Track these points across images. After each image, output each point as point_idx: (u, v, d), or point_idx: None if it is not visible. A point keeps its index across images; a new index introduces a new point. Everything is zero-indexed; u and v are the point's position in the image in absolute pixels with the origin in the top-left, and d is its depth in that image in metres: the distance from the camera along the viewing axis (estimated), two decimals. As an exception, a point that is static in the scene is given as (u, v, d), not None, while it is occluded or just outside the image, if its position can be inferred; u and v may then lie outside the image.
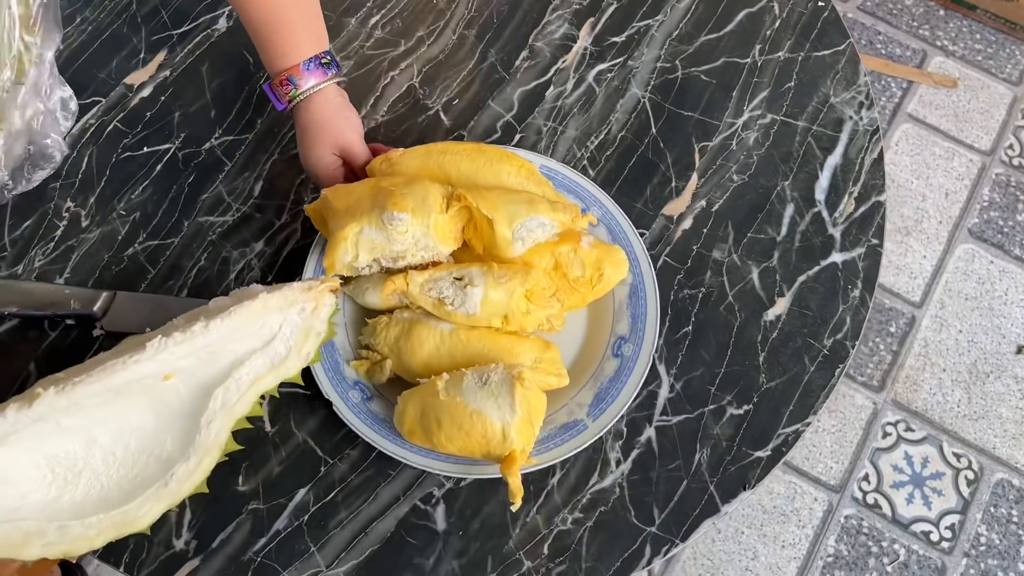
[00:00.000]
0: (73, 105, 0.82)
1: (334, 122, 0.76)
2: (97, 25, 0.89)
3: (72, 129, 0.83)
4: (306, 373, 0.70)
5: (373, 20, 0.92)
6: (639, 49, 0.91)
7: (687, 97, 0.89)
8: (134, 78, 0.87)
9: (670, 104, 0.88)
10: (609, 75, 0.90)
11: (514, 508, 0.65)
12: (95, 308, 0.74)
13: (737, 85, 0.90)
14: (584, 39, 0.91)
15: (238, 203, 0.81)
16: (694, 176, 0.85)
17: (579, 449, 0.71)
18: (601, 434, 0.71)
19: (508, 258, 0.72)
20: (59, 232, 0.79)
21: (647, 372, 0.73)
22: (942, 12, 1.80)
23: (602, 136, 0.87)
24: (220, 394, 0.64)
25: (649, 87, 0.89)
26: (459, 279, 0.71)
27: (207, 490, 0.64)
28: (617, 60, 0.90)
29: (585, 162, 0.85)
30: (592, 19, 0.92)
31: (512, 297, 0.70)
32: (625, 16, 0.93)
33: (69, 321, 0.75)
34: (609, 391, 0.73)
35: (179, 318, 0.67)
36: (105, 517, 0.55)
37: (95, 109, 0.84)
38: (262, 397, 0.66)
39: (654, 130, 0.87)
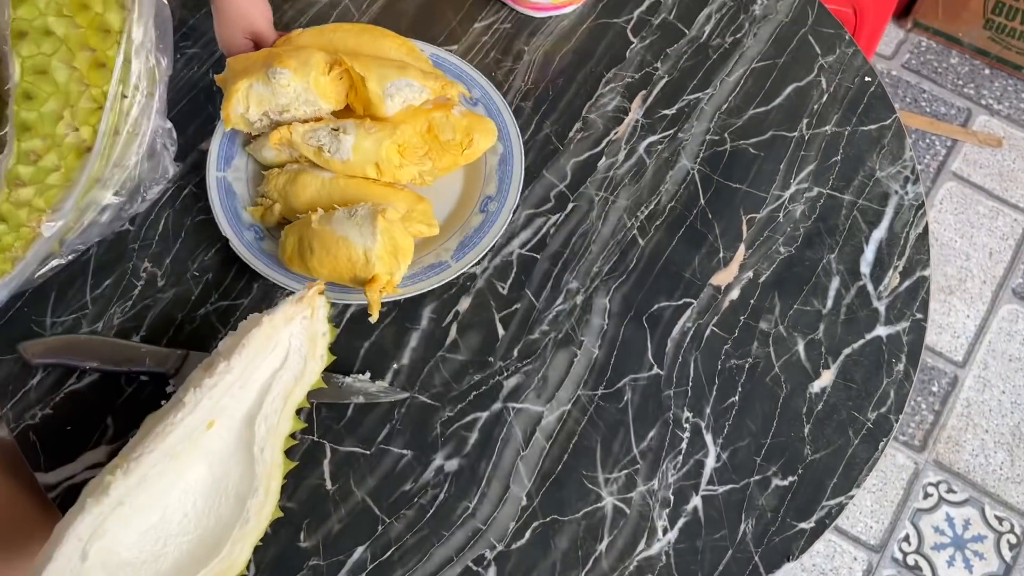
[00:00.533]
0: (174, 133, 0.87)
1: (248, 8, 0.88)
2: (176, 93, 0.95)
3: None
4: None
5: (434, 90, 0.96)
6: (689, 122, 0.94)
7: (735, 169, 0.92)
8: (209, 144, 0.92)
9: (719, 176, 0.91)
10: (659, 147, 0.93)
11: (371, 320, 0.77)
12: (168, 367, 0.78)
13: (785, 158, 0.93)
14: (636, 112, 0.95)
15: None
16: (741, 247, 0.88)
17: (440, 283, 0.82)
18: (460, 273, 0.83)
19: (383, 116, 0.83)
20: (136, 291, 0.84)
21: (506, 226, 0.85)
22: (987, 71, 1.81)
23: (652, 206, 0.90)
24: (262, 421, 0.69)
25: (698, 159, 0.92)
26: (335, 129, 0.82)
27: (282, 513, 0.69)
28: (667, 132, 0.93)
29: (635, 231, 0.88)
30: (644, 92, 0.96)
31: (381, 146, 0.80)
32: (676, 89, 0.96)
33: (144, 377, 0.79)
34: (472, 239, 0.84)
35: (198, 369, 0.71)
36: (207, 572, 0.59)
37: (170, 176, 0.89)
38: (298, 411, 0.72)
39: (703, 201, 0.90)
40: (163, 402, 0.72)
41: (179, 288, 0.84)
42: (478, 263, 0.86)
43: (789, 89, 0.97)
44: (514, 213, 0.87)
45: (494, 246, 0.86)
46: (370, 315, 0.76)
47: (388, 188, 0.83)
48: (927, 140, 1.71)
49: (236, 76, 0.84)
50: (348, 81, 0.84)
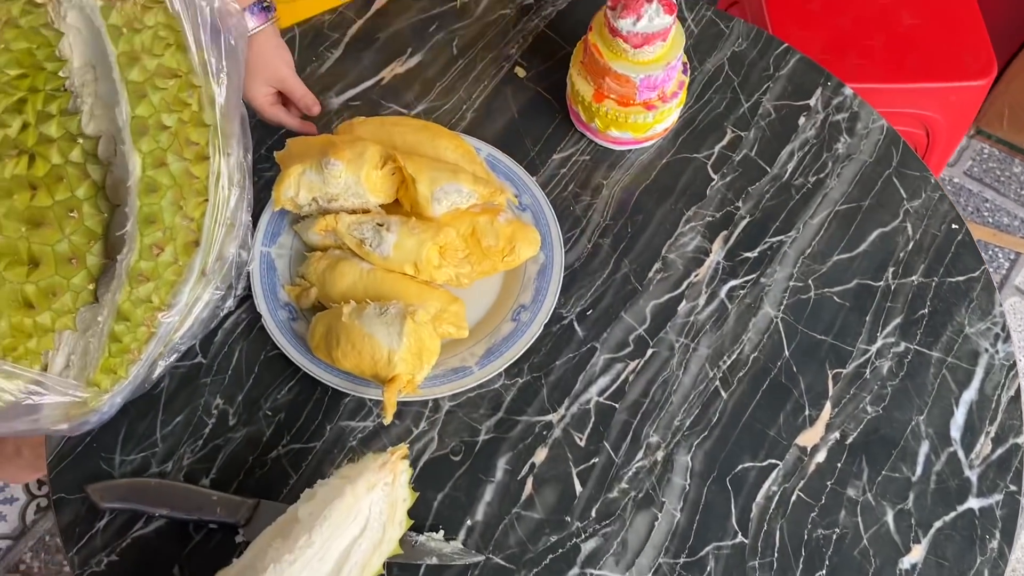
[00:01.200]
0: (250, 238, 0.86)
1: (270, 59, 0.88)
2: (251, 215, 0.94)
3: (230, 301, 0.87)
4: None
5: (510, 221, 0.95)
6: (771, 266, 0.92)
7: (820, 319, 0.89)
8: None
9: (803, 326, 0.89)
10: (741, 292, 0.91)
11: (385, 422, 0.76)
12: (238, 517, 0.76)
13: (871, 309, 0.90)
14: (717, 253, 0.93)
15: (378, 408, 0.83)
16: (827, 405, 0.85)
17: (461, 390, 0.82)
18: (482, 382, 0.82)
19: (428, 216, 0.83)
20: (207, 430, 0.82)
21: (535, 339, 0.84)
22: (1050, 179, 1.78)
23: (735, 356, 0.87)
24: (337, 594, 0.66)
25: (782, 307, 0.90)
26: (380, 224, 0.82)
27: None
28: (749, 277, 0.91)
29: (717, 383, 0.86)
30: (725, 232, 0.94)
31: (422, 247, 0.81)
32: (758, 231, 0.94)
33: (213, 525, 0.77)
34: (500, 348, 0.84)
35: (273, 532, 0.68)
36: None
37: (248, 303, 0.88)
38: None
39: (787, 353, 0.88)
40: (234, 559, 0.70)
41: (251, 428, 0.82)
42: (555, 413, 0.83)
43: (874, 235, 0.95)
44: (594, 355, 0.85)
45: (572, 392, 0.84)
46: (383, 417, 0.76)
47: (423, 286, 0.83)
48: (990, 252, 1.68)
49: (293, 158, 0.85)
50: (400, 177, 0.85)
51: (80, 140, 0.65)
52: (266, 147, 0.97)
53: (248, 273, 0.85)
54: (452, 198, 0.83)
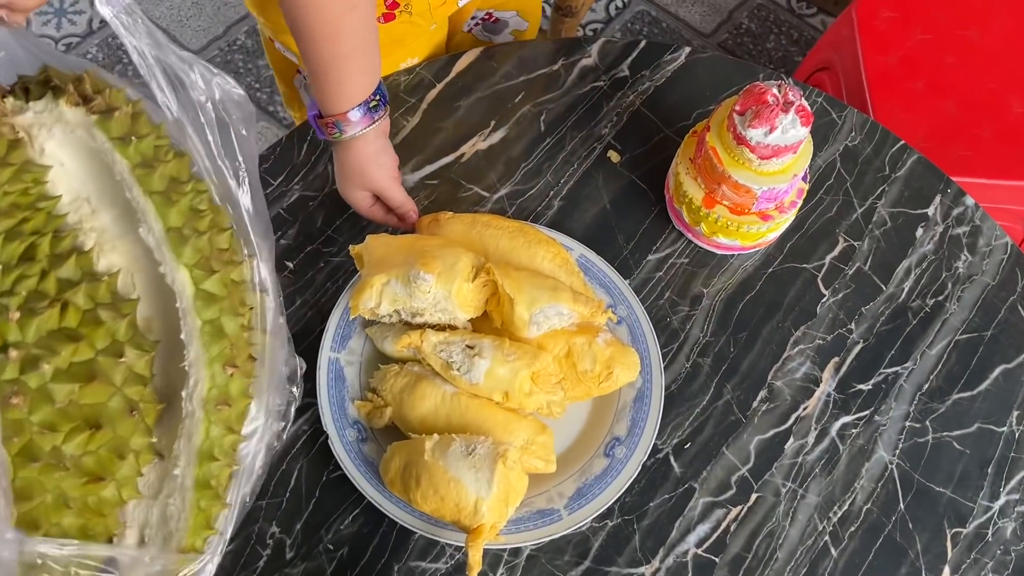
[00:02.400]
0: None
1: (367, 166, 0.80)
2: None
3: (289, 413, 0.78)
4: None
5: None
6: (886, 402, 0.83)
7: (939, 468, 0.81)
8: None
9: (920, 475, 0.80)
10: (854, 430, 0.82)
11: None
12: (298, 676, 0.67)
13: (993, 459, 0.82)
14: (827, 383, 0.84)
15: (452, 548, 0.75)
16: (946, 570, 0.77)
17: (548, 539, 0.73)
18: (571, 530, 0.73)
19: (523, 338, 0.75)
20: (261, 564, 0.73)
21: (632, 479, 0.75)
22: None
23: (846, 507, 0.79)
24: None
25: (897, 451, 0.81)
26: (471, 347, 0.74)
27: None
28: (863, 413, 0.83)
29: (827, 537, 0.77)
30: (836, 359, 0.85)
31: (516, 376, 0.72)
32: (872, 359, 0.85)
33: None
34: (592, 488, 0.75)
35: None
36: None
37: (308, 414, 0.79)
38: None
39: (902, 506, 0.79)
40: None
41: (309, 563, 0.73)
42: (648, 566, 0.75)
43: (997, 372, 0.86)
44: (692, 498, 0.77)
45: (668, 541, 0.76)
46: (468, 573, 0.68)
47: (511, 414, 0.74)
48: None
49: (372, 262, 0.76)
50: (492, 289, 0.76)
51: (105, 279, 0.55)
52: (333, 227, 0.88)
53: (300, 382, 0.75)
54: (552, 321, 0.74)
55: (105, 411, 0.52)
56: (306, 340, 0.81)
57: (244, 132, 0.60)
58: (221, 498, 0.56)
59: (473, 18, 1.08)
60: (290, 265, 0.86)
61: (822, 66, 1.32)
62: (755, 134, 0.76)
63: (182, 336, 0.59)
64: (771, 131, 0.76)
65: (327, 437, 0.75)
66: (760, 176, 0.79)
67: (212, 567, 0.55)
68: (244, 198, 0.60)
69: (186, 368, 0.59)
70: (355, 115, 0.76)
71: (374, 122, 0.77)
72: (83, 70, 0.57)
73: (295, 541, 0.74)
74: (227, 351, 0.59)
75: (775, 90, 0.76)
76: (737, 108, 0.78)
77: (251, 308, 0.64)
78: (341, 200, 0.87)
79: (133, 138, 0.54)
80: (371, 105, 0.76)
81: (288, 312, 0.83)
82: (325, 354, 0.78)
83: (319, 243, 0.87)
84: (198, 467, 0.56)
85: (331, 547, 0.74)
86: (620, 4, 1.99)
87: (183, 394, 0.60)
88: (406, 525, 0.72)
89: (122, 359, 0.53)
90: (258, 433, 0.64)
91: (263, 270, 0.64)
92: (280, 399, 0.71)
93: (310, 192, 0.90)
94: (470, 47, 1.14)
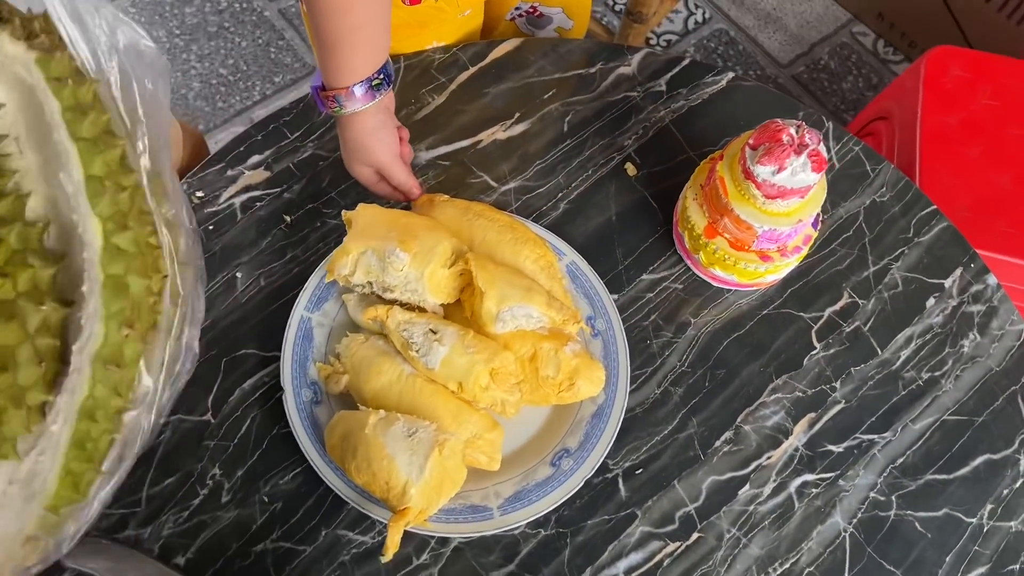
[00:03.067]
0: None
1: (367, 142, 0.80)
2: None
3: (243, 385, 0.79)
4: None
5: (578, 337, 0.85)
6: (855, 468, 0.80)
7: (895, 547, 0.78)
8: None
9: (873, 549, 0.78)
10: (814, 490, 0.79)
11: (383, 560, 0.67)
12: (204, 617, 0.69)
13: (954, 549, 0.78)
14: (798, 437, 0.81)
15: (382, 524, 0.75)
16: (878, 651, 0.74)
17: (476, 535, 0.73)
18: (500, 531, 0.72)
19: (489, 332, 0.74)
20: (197, 501, 0.74)
21: (572, 494, 0.74)
22: None
23: (787, 565, 0.76)
24: None
25: (854, 520, 0.79)
26: (433, 331, 0.73)
27: None
28: (827, 475, 0.80)
29: (760, 592, 0.75)
30: (813, 415, 0.82)
31: (472, 369, 0.72)
32: (850, 422, 0.82)
33: (175, 614, 0.70)
34: (530, 494, 0.74)
35: None
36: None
37: (272, 367, 0.80)
38: None
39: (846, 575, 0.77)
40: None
41: (243, 511, 0.75)
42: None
43: (980, 460, 0.82)
44: (632, 524, 0.76)
45: (597, 562, 0.75)
46: (382, 555, 0.67)
47: (463, 405, 0.74)
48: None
49: (355, 231, 0.76)
50: (467, 278, 0.76)
51: (39, 225, 0.53)
52: (338, 190, 0.88)
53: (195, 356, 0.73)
54: (519, 321, 0.74)
55: (13, 355, 0.49)
56: (286, 295, 0.82)
57: (150, 86, 0.54)
58: (95, 464, 0.54)
59: (517, 9, 1.07)
60: (288, 218, 0.87)
61: (882, 115, 1.27)
62: (763, 171, 0.74)
63: (83, 289, 0.54)
64: (779, 171, 0.73)
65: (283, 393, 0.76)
66: (763, 214, 0.77)
67: (71, 537, 0.53)
68: (144, 160, 0.54)
69: (81, 322, 0.54)
70: (358, 91, 0.75)
71: (375, 99, 0.76)
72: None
73: (233, 486, 0.75)
74: (127, 311, 0.55)
75: (792, 130, 0.74)
76: (751, 142, 0.76)
77: (165, 276, 0.58)
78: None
79: (70, 81, 0.51)
80: (374, 83, 0.76)
81: (276, 265, 0.85)
82: (298, 312, 0.79)
83: (320, 203, 0.88)
84: (76, 424, 0.53)
85: (266, 499, 0.75)
86: (699, 20, 1.95)
87: (74, 348, 0.57)
88: (339, 494, 0.73)
89: (42, 307, 0.51)
90: (145, 403, 0.60)
91: (186, 240, 0.59)
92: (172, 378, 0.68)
93: (323, 152, 0.90)
94: (511, 37, 1.14)
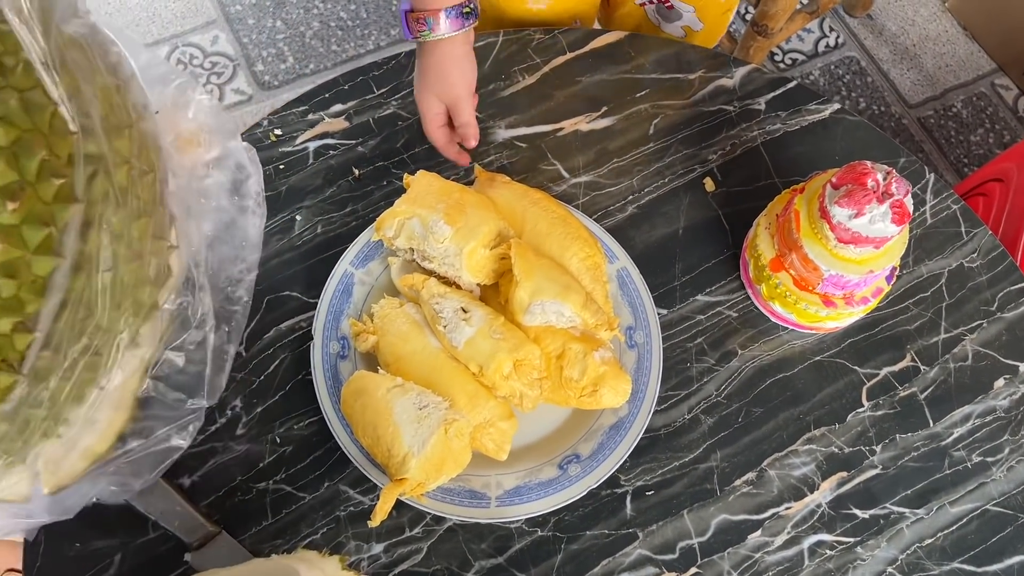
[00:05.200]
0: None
1: (450, 69, 0.78)
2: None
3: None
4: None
5: (619, 345, 0.83)
6: (877, 539, 0.76)
7: (902, 629, 0.74)
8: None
9: (878, 627, 0.74)
10: (829, 551, 0.76)
11: (370, 524, 0.68)
12: (193, 539, 0.70)
13: (967, 646, 0.74)
14: (823, 493, 0.78)
15: (380, 488, 0.75)
16: None
17: (468, 520, 0.72)
18: (493, 521, 0.72)
19: (519, 322, 0.73)
20: (213, 428, 0.76)
21: (576, 499, 0.73)
22: None
23: (783, 622, 0.73)
24: None
25: (865, 592, 0.75)
26: (464, 310, 0.73)
27: None
28: (847, 539, 0.76)
29: (748, 642, 0.72)
30: (844, 474, 0.78)
31: (494, 356, 0.70)
32: (883, 490, 0.78)
33: (170, 530, 0.72)
34: (530, 492, 0.73)
35: None
36: None
37: (312, 312, 0.81)
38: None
39: (843, 648, 0.73)
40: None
41: (253, 447, 0.76)
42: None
43: (1016, 559, 0.77)
44: (631, 544, 0.74)
45: (587, 574, 0.73)
46: (369, 520, 0.68)
47: (482, 389, 0.73)
48: None
49: (410, 195, 0.76)
50: (509, 263, 0.75)
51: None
52: (410, 152, 0.88)
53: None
54: (549, 316, 0.72)
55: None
56: (339, 246, 0.83)
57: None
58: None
59: (641, 1, 1.04)
60: (356, 172, 0.87)
61: (998, 176, 1.19)
62: (840, 213, 0.70)
63: None
64: (857, 215, 0.69)
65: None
66: (833, 258, 0.73)
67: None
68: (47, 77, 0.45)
69: None
70: (447, 16, 0.75)
71: (463, 28, 0.76)
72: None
73: (250, 422, 0.77)
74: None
75: (879, 175, 0.70)
76: (834, 180, 0.72)
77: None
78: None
79: None
80: (464, 11, 0.75)
81: (335, 215, 0.85)
82: (343, 265, 0.79)
83: (391, 162, 0.88)
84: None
85: (278, 440, 0.76)
86: (831, 44, 1.87)
87: None
88: (344, 450, 0.73)
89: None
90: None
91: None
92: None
93: (404, 112, 0.90)
94: (636, 21, 1.11)
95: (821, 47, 1.87)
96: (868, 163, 0.71)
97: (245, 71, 1.77)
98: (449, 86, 0.80)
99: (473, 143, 0.83)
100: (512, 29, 0.96)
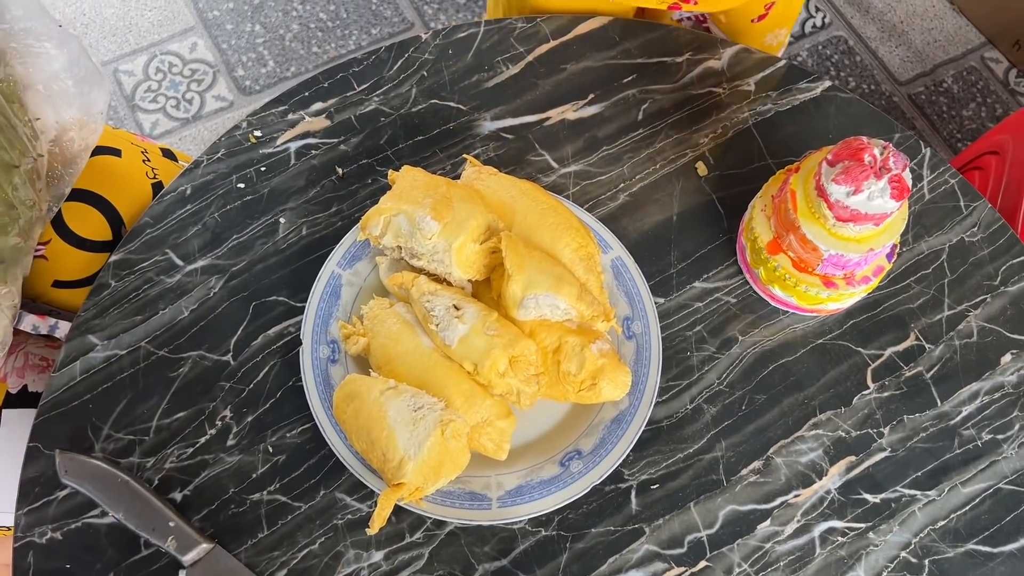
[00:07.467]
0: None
1: None
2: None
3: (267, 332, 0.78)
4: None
5: (616, 336, 0.81)
6: (889, 523, 0.74)
7: (918, 614, 0.72)
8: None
9: (894, 613, 0.72)
10: (840, 539, 0.74)
11: (368, 532, 0.66)
12: (188, 556, 0.68)
13: (986, 628, 0.72)
14: (832, 479, 0.76)
15: (379, 494, 0.73)
16: None
17: (471, 523, 0.70)
18: (495, 523, 0.70)
19: (513, 317, 0.71)
20: (203, 440, 0.74)
21: (579, 496, 0.71)
22: None
23: (796, 613, 0.72)
24: None
25: (879, 578, 0.73)
26: (456, 308, 0.71)
27: None
28: (858, 525, 0.74)
29: (762, 635, 0.71)
30: (853, 459, 0.77)
31: (489, 353, 0.69)
32: (892, 472, 0.76)
33: (163, 547, 0.70)
34: (532, 491, 0.71)
35: None
36: None
37: (298, 317, 0.78)
38: None
39: (860, 637, 0.71)
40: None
41: (245, 457, 0.74)
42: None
43: (1033, 539, 0.75)
44: (637, 540, 0.72)
45: (594, 573, 0.71)
46: (368, 527, 0.66)
47: (477, 388, 0.71)
48: None
49: (395, 191, 0.74)
50: (499, 257, 0.73)
51: None
52: (394, 149, 0.86)
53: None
54: (544, 310, 0.70)
55: None
56: (325, 248, 0.81)
57: None
58: None
59: (679, 17, 1.02)
60: (340, 171, 0.85)
61: (993, 149, 1.18)
62: (837, 191, 0.68)
63: None
64: (855, 192, 0.67)
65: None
66: (831, 237, 0.71)
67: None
68: None
69: None
70: None
71: None
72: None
73: (241, 431, 0.75)
74: None
75: (876, 150, 0.68)
76: (829, 157, 0.70)
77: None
78: (411, 125, 0.85)
79: None
80: None
81: (320, 216, 0.83)
82: (330, 266, 0.77)
83: (375, 159, 0.86)
84: None
85: (271, 449, 0.74)
86: (818, 23, 1.85)
87: None
88: (339, 456, 0.71)
89: None
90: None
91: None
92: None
93: (386, 108, 0.88)
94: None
95: (808, 27, 1.85)
96: (864, 138, 0.69)
97: (225, 77, 1.75)
98: None
99: None
100: (494, 20, 0.94)
